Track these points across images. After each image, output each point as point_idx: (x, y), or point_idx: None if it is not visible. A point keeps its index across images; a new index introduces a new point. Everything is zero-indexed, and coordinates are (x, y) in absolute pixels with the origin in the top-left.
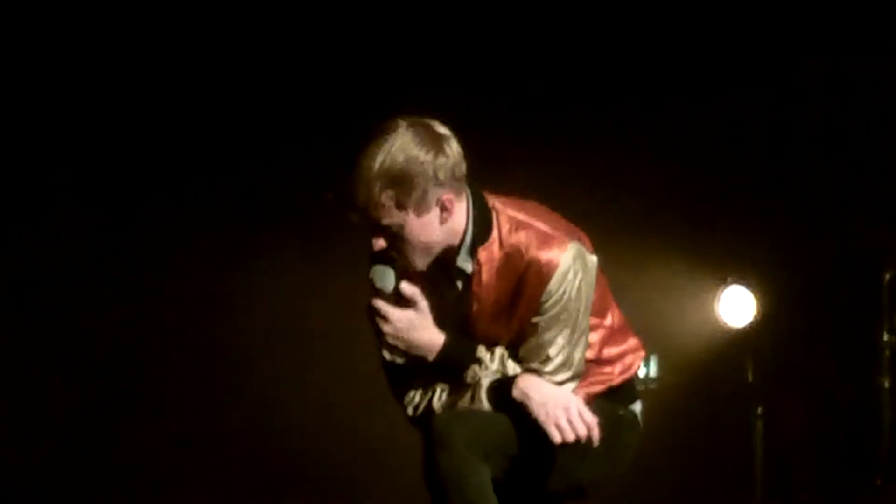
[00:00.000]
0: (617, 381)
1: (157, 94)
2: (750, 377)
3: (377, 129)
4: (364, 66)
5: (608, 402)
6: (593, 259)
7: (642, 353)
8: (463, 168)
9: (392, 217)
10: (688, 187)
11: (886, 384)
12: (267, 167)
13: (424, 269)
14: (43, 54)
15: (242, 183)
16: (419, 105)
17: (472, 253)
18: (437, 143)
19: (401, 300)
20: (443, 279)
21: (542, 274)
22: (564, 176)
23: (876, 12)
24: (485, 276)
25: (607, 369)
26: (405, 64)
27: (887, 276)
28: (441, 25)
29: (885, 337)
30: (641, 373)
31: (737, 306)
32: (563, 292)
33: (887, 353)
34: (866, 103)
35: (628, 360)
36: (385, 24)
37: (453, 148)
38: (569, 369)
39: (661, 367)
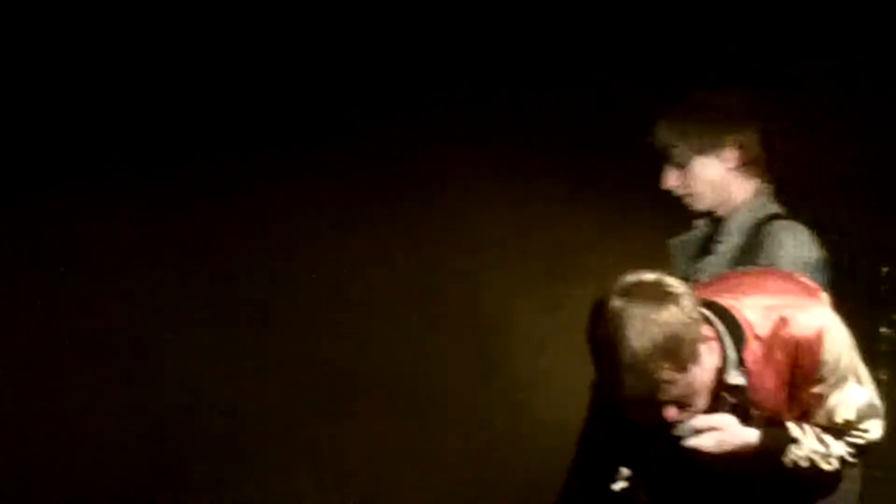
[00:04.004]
0: None
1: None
2: None
3: (604, 328)
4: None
5: None
6: (827, 297)
7: None
8: (696, 299)
9: (677, 386)
10: None
11: (885, 377)
12: None
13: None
14: None
15: None
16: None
17: (739, 364)
18: (664, 293)
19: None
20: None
21: (811, 349)
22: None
23: None
24: (756, 381)
25: None
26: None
27: (885, 270)
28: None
29: (884, 330)
30: None
31: None
32: (842, 351)
33: (885, 346)
34: (863, 93)
35: None
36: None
37: (678, 286)
38: (879, 416)
39: None
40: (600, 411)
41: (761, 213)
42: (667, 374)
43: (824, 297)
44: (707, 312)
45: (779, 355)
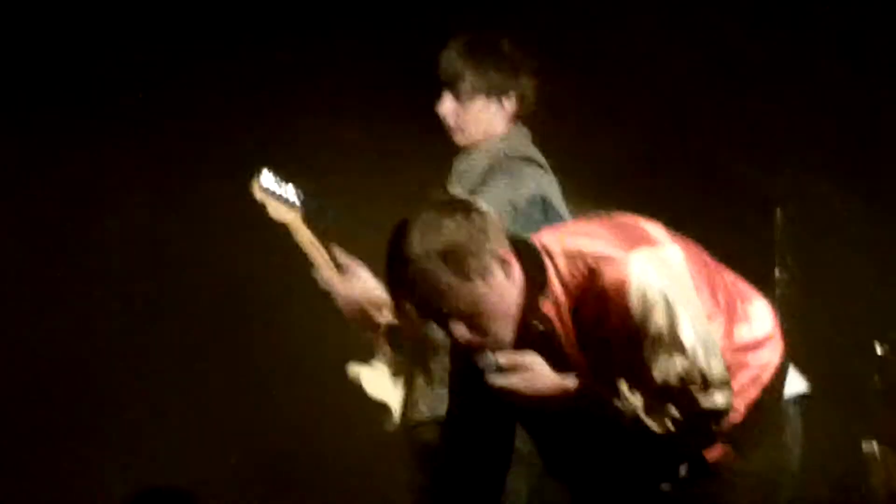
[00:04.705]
0: (767, 375)
1: None
2: None
3: (399, 230)
4: None
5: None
6: (671, 253)
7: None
8: (499, 222)
9: (459, 297)
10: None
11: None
12: None
13: (513, 340)
14: None
15: None
16: None
17: (536, 308)
18: (461, 206)
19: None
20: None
21: (618, 303)
22: None
23: None
24: (560, 329)
25: (751, 360)
26: None
27: (779, 213)
28: None
29: (778, 274)
30: None
31: None
32: (650, 310)
33: (779, 290)
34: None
35: (772, 339)
36: None
37: (485, 208)
38: (711, 384)
39: None
40: (461, 369)
41: (494, 157)
42: (445, 277)
43: (662, 251)
44: (511, 246)
45: (584, 305)
